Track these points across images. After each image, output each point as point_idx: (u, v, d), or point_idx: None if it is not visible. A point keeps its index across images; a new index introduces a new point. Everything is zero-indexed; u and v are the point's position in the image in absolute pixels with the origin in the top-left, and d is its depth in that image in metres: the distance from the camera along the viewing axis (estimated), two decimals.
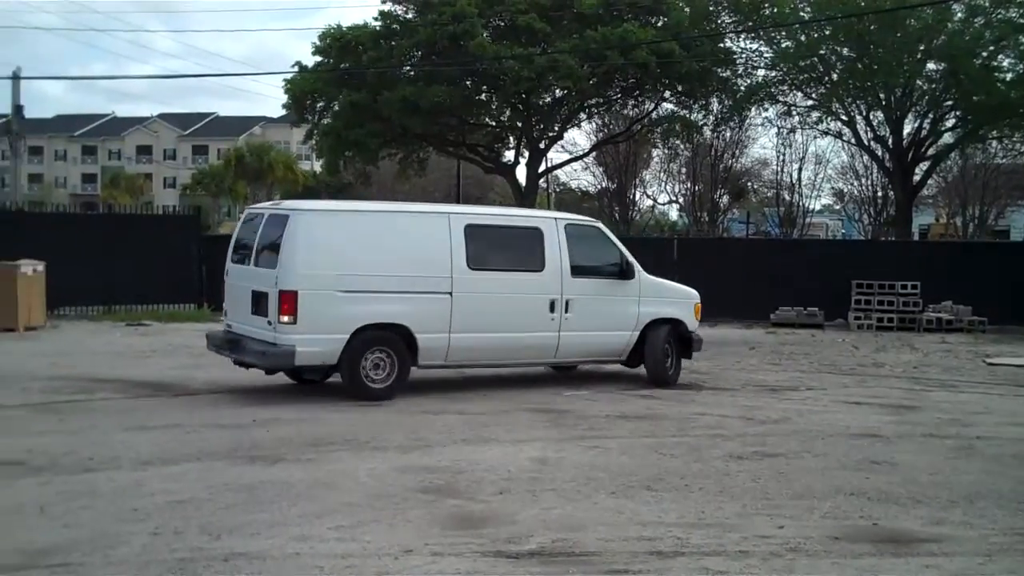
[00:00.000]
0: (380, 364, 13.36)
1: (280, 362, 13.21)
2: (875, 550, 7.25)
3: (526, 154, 38.82)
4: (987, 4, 31.88)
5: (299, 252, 13.01)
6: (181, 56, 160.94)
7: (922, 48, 32.60)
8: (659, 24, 34.56)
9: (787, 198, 49.93)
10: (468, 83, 35.51)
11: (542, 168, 40.97)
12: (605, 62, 32.72)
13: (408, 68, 35.37)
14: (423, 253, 13.67)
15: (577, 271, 14.59)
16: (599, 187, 55.47)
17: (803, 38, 34.25)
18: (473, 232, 14.03)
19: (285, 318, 12.88)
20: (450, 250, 13.73)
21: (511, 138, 39.68)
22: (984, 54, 32.23)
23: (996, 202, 51.59)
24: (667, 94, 37.05)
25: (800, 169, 49.58)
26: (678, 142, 41.59)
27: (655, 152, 50.16)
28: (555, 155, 45.81)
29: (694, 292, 15.88)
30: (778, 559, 6.97)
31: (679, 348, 15.51)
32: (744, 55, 36.52)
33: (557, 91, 35.52)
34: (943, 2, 30.87)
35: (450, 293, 13.65)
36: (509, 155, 40.61)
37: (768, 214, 54.33)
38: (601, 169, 52.77)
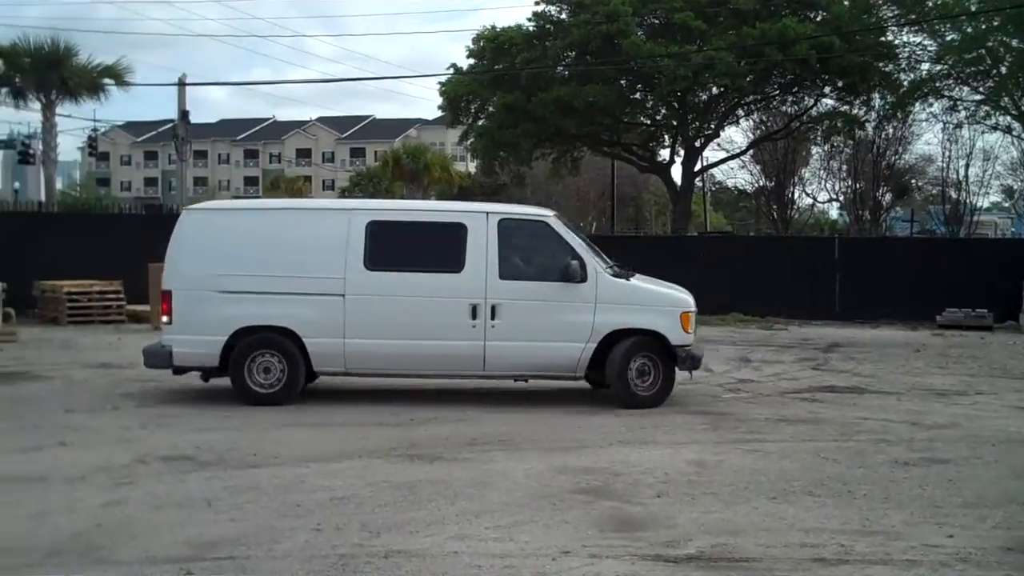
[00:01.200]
0: (270, 368, 12.90)
1: (158, 362, 13.18)
2: None
3: (681, 153, 38.45)
4: None
5: (177, 251, 13.13)
6: (339, 60, 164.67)
7: None
8: (817, 19, 33.86)
9: (953, 196, 48.27)
10: (622, 82, 35.35)
11: (697, 167, 40.52)
12: (763, 58, 32.21)
13: (562, 68, 35.39)
14: (314, 252, 12.96)
15: (509, 272, 12.90)
16: (756, 186, 54.68)
17: (970, 30, 33.12)
18: (376, 229, 13.00)
19: (164, 318, 13.21)
20: (344, 249, 12.86)
21: (666, 137, 39.35)
22: None
23: None
24: (827, 90, 36.24)
25: (967, 166, 47.86)
26: (839, 139, 40.68)
27: (814, 149, 49.19)
28: (711, 153, 45.23)
29: (683, 298, 13.38)
30: (948, 569, 6.78)
31: (664, 364, 13.06)
32: (907, 49, 35.49)
33: (713, 89, 35.09)
34: None
35: (343, 295, 12.80)
36: (664, 154, 40.32)
37: (933, 212, 52.73)
38: (758, 167, 51.97)
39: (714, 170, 50.37)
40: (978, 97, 35.85)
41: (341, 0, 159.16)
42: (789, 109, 40.88)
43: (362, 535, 7.29)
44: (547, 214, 13.79)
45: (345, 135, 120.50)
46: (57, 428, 11.23)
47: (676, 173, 38.88)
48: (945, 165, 47.80)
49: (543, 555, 6.89)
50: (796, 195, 53.55)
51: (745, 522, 7.78)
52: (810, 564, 6.82)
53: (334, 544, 7.07)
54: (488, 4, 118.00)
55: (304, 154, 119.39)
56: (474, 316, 12.74)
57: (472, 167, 67.23)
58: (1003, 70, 33.75)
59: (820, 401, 13.85)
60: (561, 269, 12.79)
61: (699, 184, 48.97)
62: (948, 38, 34.03)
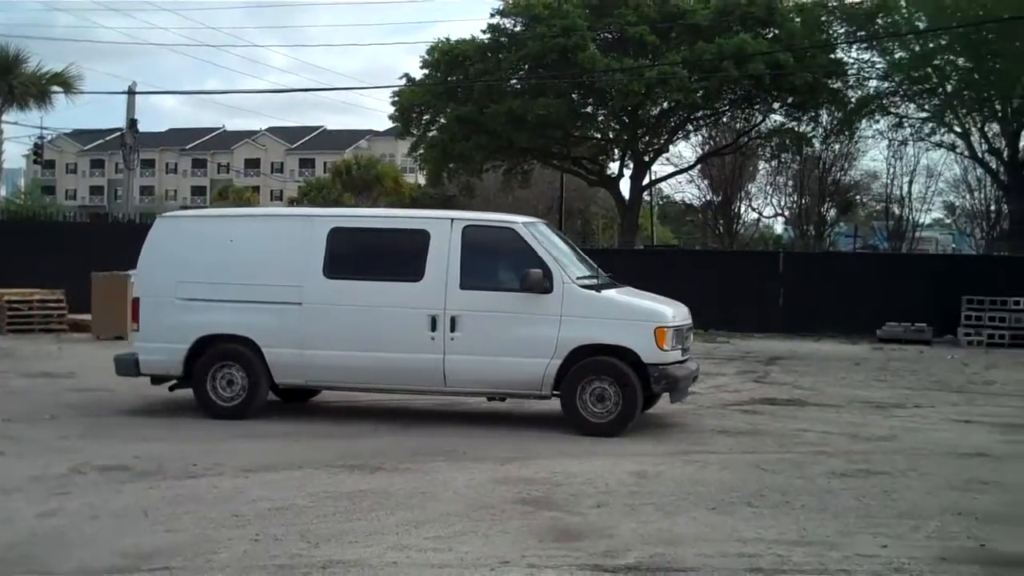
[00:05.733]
0: (232, 380, 12.54)
1: (126, 370, 13.03)
2: (982, 572, 7.10)
3: (630, 167, 38.74)
4: None
5: (146, 259, 13.05)
6: (294, 72, 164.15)
7: None
8: (770, 36, 34.23)
9: (896, 212, 48.98)
10: (574, 96, 35.54)
11: (646, 181, 40.80)
12: (717, 74, 32.50)
13: (515, 81, 35.54)
14: (274, 260, 12.55)
15: (471, 282, 12.10)
16: (703, 200, 55.11)
17: (917, 48, 33.63)
18: (338, 236, 12.53)
19: (134, 325, 13.11)
20: (304, 256, 12.42)
21: (616, 151, 39.61)
22: None
23: None
24: (776, 106, 36.68)
25: (911, 182, 48.65)
26: (787, 155, 41.16)
27: (762, 165, 49.70)
28: (659, 168, 45.62)
29: (658, 311, 12.28)
30: None
31: (624, 387, 11.82)
32: (856, 66, 36.01)
33: (664, 103, 35.36)
34: None
35: (300, 304, 12.35)
36: (613, 168, 40.59)
37: (876, 228, 53.46)
38: (706, 182, 52.38)
39: (662, 184, 50.74)
40: (923, 114, 36.52)
41: (299, 12, 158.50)
42: (738, 124, 41.29)
43: (301, 545, 7.25)
44: (516, 221, 12.89)
45: (295, 145, 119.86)
46: None
47: (624, 187, 39.17)
48: (889, 181, 48.59)
49: (482, 565, 6.90)
50: (742, 210, 54.04)
51: (684, 532, 7.83)
52: (747, 574, 6.87)
53: (272, 554, 7.03)
54: (445, 17, 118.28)
55: (253, 164, 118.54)
56: (433, 328, 12.03)
57: (421, 178, 67.22)
58: (948, 88, 34.33)
59: (760, 413, 13.95)
60: (523, 279, 11.89)
61: (647, 198, 49.23)
62: (896, 56, 34.55)
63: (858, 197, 53.17)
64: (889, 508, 8.72)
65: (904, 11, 33.67)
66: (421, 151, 39.73)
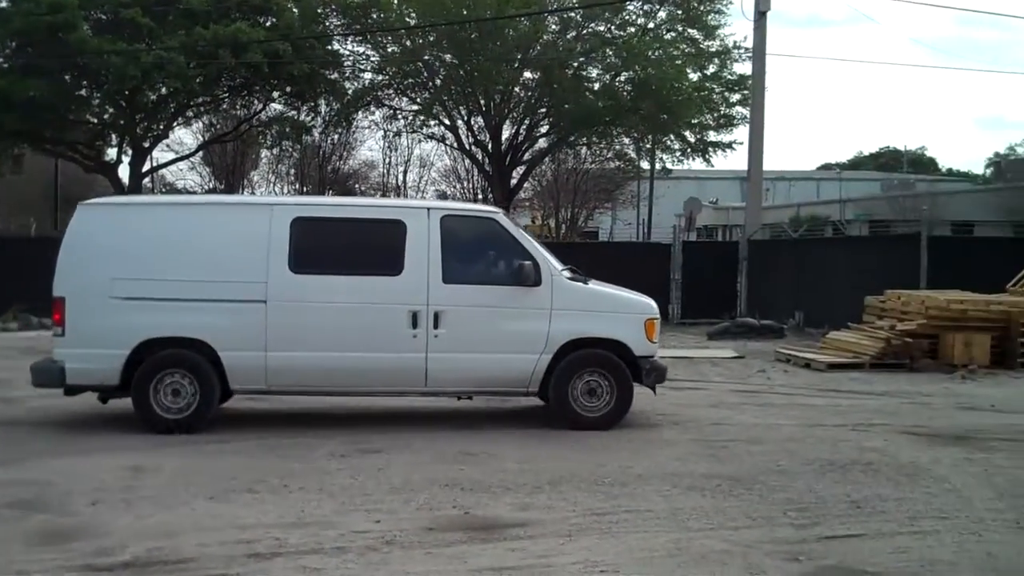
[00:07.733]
0: (180, 389, 11.45)
1: (48, 380, 11.56)
2: (466, 537, 7.63)
3: (129, 153, 37.53)
4: (579, 18, 33.96)
5: (71, 252, 11.53)
6: None
7: (519, 57, 34.26)
8: (268, 24, 34.36)
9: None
10: (68, 78, 33.89)
11: (146, 167, 39.70)
12: (215, 61, 32.17)
13: (1, 59, 33.34)
14: (232, 254, 11.56)
15: (454, 275, 11.71)
16: (207, 188, 54.45)
17: (408, 43, 35.13)
18: (302, 227, 11.68)
19: (57, 329, 11.52)
20: (266, 250, 11.50)
21: (113, 136, 38.21)
22: (575, 64, 34.29)
23: (586, 205, 54.68)
24: (276, 95, 36.97)
25: (406, 172, 51.07)
26: (288, 143, 41.58)
27: (264, 153, 49.88)
28: (160, 154, 44.51)
29: (647, 303, 12.37)
30: (374, 553, 7.22)
31: (618, 379, 11.97)
32: (352, 58, 37.04)
33: (163, 89, 34.56)
34: (539, 14, 32.63)
35: (264, 302, 11.45)
36: (112, 153, 39.16)
37: None
38: (208, 169, 51.78)
39: (164, 171, 49.60)
40: (415, 107, 38.20)
41: None
42: (239, 112, 41.20)
43: None
44: (496, 211, 12.78)
45: None
46: None
47: (124, 173, 37.92)
48: (386, 171, 50.58)
49: None
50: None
51: (182, 524, 7.84)
52: (245, 559, 7.01)
53: None
54: None
55: None
56: (414, 325, 11.54)
57: None
58: (438, 83, 36.12)
59: (265, 400, 13.61)
60: (513, 272, 11.69)
61: (148, 185, 47.94)
62: (389, 50, 35.90)
63: (357, 185, 54.88)
64: (383, 484, 9.18)
65: (396, 8, 35.03)
66: None
